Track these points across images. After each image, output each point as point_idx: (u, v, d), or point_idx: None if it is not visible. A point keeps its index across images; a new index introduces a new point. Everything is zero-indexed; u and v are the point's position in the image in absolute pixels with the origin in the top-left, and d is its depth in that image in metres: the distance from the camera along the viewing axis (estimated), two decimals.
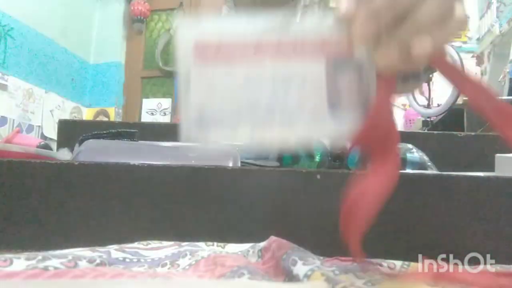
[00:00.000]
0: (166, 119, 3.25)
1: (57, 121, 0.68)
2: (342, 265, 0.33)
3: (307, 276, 0.23)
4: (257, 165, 0.52)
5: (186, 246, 0.34)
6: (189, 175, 0.40)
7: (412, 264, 0.34)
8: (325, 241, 0.39)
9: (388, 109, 0.30)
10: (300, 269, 0.25)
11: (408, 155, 0.55)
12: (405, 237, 0.39)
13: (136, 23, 3.35)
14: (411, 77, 0.40)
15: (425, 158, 0.55)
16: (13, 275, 0.21)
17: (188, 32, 0.29)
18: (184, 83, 0.29)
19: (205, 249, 0.34)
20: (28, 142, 0.60)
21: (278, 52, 0.30)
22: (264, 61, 0.30)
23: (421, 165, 0.54)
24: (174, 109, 3.22)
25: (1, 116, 2.45)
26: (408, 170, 0.51)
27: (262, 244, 0.33)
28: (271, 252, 0.30)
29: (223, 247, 0.35)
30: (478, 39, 2.76)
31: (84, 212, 0.39)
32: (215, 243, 0.35)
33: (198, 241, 0.36)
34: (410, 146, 0.57)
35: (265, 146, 0.53)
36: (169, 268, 0.29)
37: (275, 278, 0.27)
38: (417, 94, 2.12)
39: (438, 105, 1.86)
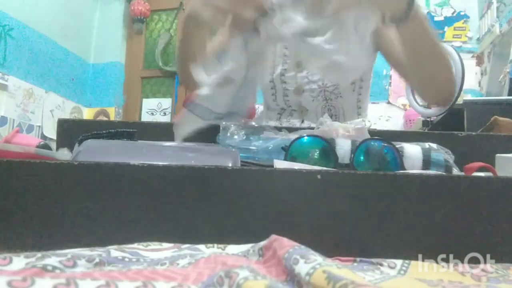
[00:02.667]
0: (166, 119, 3.25)
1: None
2: (342, 265, 0.33)
3: (309, 275, 0.23)
4: (257, 165, 0.52)
5: (186, 249, 0.34)
6: (189, 175, 0.40)
7: (413, 262, 0.34)
8: (325, 241, 0.39)
9: None
10: (302, 267, 0.25)
11: (433, 156, 0.52)
12: (405, 237, 0.39)
13: (136, 23, 3.35)
14: None
15: (450, 158, 0.53)
16: (13, 275, 0.21)
17: None
18: None
19: (205, 252, 0.33)
20: (28, 142, 0.59)
21: None
22: None
23: (446, 167, 0.52)
24: (174, 109, 3.22)
25: (1, 116, 2.45)
26: (432, 171, 0.49)
27: (262, 243, 0.33)
28: (272, 251, 0.30)
29: (223, 249, 0.35)
30: (478, 39, 2.76)
31: (83, 212, 0.39)
32: (215, 245, 0.35)
33: (197, 240, 0.36)
34: (435, 145, 0.54)
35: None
36: (168, 267, 0.29)
37: (277, 277, 0.27)
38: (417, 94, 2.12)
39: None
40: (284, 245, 0.29)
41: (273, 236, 0.31)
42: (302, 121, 0.97)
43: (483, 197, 0.40)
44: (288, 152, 0.51)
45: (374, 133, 0.59)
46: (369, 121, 1.03)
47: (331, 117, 0.94)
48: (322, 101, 0.95)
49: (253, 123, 0.60)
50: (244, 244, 0.34)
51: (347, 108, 0.97)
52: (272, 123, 1.01)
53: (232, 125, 0.58)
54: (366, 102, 1.02)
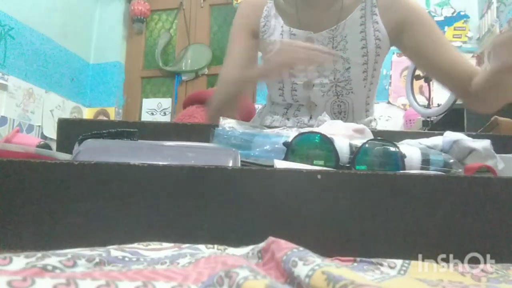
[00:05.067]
0: (166, 119, 3.25)
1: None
2: (342, 265, 0.33)
3: (308, 277, 0.23)
4: (257, 165, 0.52)
5: (186, 249, 0.34)
6: (189, 175, 0.40)
7: (413, 262, 0.34)
8: (325, 241, 0.39)
9: None
10: (301, 270, 0.25)
11: (432, 156, 0.52)
12: (405, 237, 0.39)
13: (136, 23, 3.35)
14: None
15: (450, 158, 0.52)
16: (13, 275, 0.21)
17: None
18: None
19: (205, 252, 0.33)
20: (28, 142, 0.59)
21: None
22: None
23: (446, 167, 0.51)
24: (174, 109, 3.22)
25: (1, 116, 2.45)
26: (432, 171, 0.49)
27: (261, 245, 0.33)
28: (270, 253, 0.30)
29: (223, 251, 0.35)
30: (478, 39, 2.76)
31: (83, 212, 0.39)
32: (216, 246, 0.35)
33: (197, 240, 0.36)
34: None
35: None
36: (168, 266, 0.29)
37: (276, 279, 0.27)
38: (417, 93, 2.12)
39: (438, 105, 1.85)
40: (282, 247, 0.29)
41: (271, 238, 0.31)
42: (310, 117, 0.94)
43: (483, 197, 0.40)
44: (289, 148, 0.51)
45: (374, 133, 0.59)
46: (375, 119, 1.01)
47: (340, 113, 0.95)
48: (333, 96, 0.93)
49: (250, 125, 0.60)
50: (244, 247, 0.34)
51: (357, 104, 0.94)
52: (278, 118, 0.98)
53: (230, 124, 0.57)
54: (374, 98, 1.01)
